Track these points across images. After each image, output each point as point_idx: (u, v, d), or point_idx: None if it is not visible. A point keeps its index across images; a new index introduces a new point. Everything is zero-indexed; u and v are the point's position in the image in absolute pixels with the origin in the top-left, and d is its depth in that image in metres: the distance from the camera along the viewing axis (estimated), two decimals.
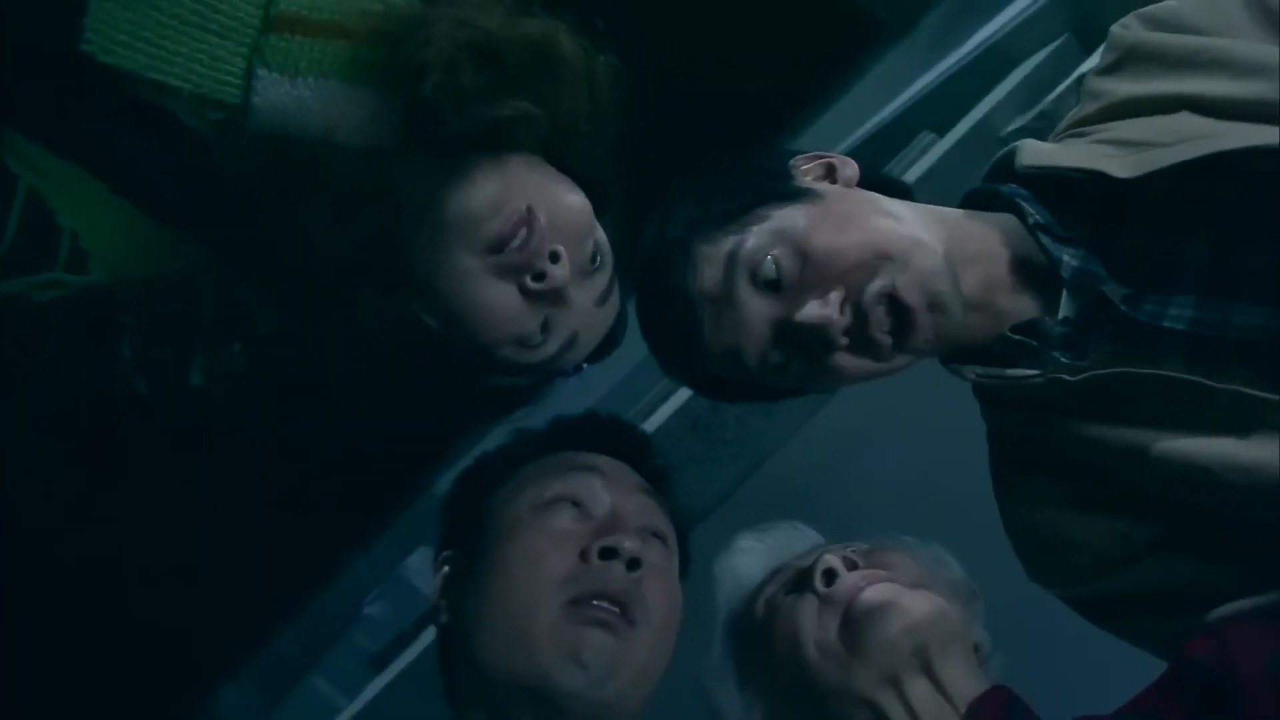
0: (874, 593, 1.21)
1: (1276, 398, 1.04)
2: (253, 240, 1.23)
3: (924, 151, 1.93)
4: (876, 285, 1.14)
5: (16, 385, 1.31)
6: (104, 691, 1.66)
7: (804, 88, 1.94)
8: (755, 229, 1.19)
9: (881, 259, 1.15)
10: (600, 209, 1.31)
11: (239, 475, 1.53)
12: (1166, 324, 1.11)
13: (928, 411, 1.77)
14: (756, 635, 1.28)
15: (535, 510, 1.23)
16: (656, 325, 1.29)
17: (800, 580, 1.27)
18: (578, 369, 1.36)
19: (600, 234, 1.29)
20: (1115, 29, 1.23)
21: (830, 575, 1.25)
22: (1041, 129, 1.70)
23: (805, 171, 1.26)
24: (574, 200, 1.27)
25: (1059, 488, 1.19)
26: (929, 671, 1.19)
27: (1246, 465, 1.05)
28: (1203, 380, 1.06)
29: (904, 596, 1.21)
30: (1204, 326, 1.10)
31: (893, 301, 1.14)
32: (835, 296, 1.15)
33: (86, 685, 1.65)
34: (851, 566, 1.26)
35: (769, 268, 1.17)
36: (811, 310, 1.15)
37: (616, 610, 1.17)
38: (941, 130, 1.95)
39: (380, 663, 1.96)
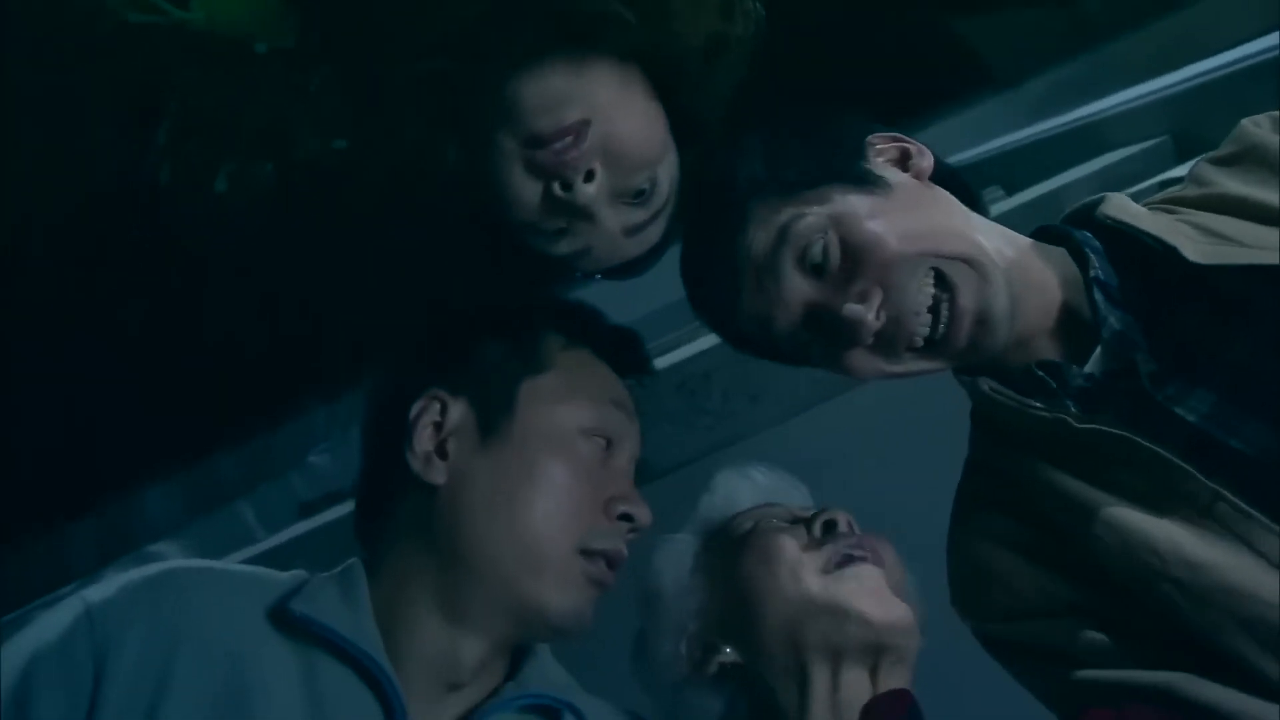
0: (872, 573, 1.22)
1: (1253, 511, 1.05)
2: (345, 24, 1.22)
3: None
4: (915, 287, 1.15)
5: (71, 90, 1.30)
6: (32, 459, 1.68)
7: (897, 108, 1.94)
8: (814, 209, 1.19)
9: (932, 260, 1.15)
10: (688, 145, 1.29)
11: (225, 290, 1.54)
12: (1179, 410, 1.12)
13: (906, 448, 1.77)
14: (731, 540, 1.29)
15: (572, 435, 1.23)
16: (699, 269, 1.30)
17: (795, 521, 1.28)
18: (587, 276, 1.36)
19: (664, 171, 1.28)
20: (1246, 123, 1.22)
21: (831, 527, 1.26)
22: None
23: (880, 152, 1.25)
24: (641, 131, 1.25)
25: (1010, 527, 1.19)
26: (872, 671, 1.21)
27: (1195, 562, 1.06)
28: (1194, 471, 1.07)
29: (894, 600, 1.22)
30: (1213, 426, 1.10)
31: (937, 304, 1.15)
32: (876, 300, 1.15)
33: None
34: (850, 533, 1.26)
35: (816, 251, 1.18)
36: (852, 310, 1.15)
37: (611, 571, 1.22)
38: (1010, 190, 1.94)
39: (307, 510, 1.97)
